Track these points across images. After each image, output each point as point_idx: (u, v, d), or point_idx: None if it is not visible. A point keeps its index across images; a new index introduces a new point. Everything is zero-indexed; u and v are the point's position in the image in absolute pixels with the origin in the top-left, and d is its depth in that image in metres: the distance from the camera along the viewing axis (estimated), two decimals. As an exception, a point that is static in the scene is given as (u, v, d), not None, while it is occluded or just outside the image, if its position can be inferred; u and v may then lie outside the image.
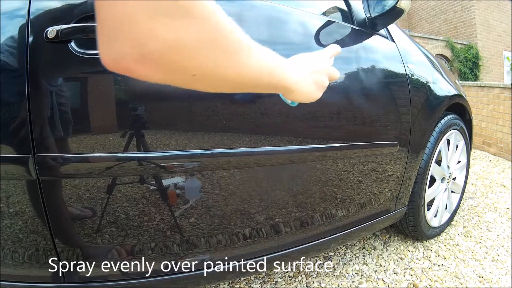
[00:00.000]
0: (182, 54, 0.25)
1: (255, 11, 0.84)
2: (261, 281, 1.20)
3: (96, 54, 0.63)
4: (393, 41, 1.19)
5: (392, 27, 1.21)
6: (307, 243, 0.97)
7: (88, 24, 0.63)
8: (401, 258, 1.35)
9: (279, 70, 0.37)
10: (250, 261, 0.86)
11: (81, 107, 0.66)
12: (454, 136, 1.48)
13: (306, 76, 0.43)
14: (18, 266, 0.69)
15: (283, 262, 0.94)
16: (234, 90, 0.35)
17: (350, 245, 1.45)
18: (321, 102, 0.90)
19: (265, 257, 0.88)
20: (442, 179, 1.48)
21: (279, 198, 0.88)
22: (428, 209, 1.42)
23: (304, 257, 1.05)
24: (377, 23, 1.07)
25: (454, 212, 1.63)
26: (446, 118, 1.38)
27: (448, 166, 1.50)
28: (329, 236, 1.02)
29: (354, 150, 1.02)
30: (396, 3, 0.96)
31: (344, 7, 1.11)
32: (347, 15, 1.10)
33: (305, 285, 1.18)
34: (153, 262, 0.76)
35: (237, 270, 0.87)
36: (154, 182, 0.73)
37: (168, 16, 0.23)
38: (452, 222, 1.68)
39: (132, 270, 0.75)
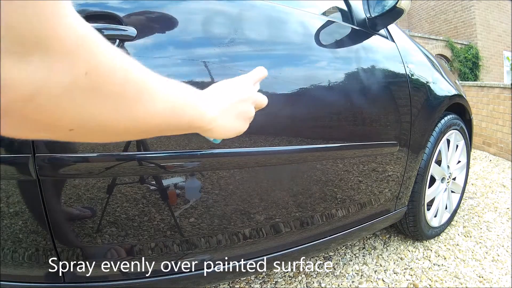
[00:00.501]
0: (44, 106, 0.19)
1: (255, 11, 0.84)
2: (261, 281, 1.20)
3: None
4: (393, 41, 1.19)
5: (392, 27, 1.21)
6: (307, 243, 0.97)
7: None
8: (401, 258, 1.35)
9: (189, 109, 0.31)
10: (250, 261, 0.86)
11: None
12: (454, 136, 1.48)
13: (226, 110, 0.37)
14: (18, 266, 0.69)
15: (283, 262, 0.94)
16: (136, 137, 0.30)
17: (350, 245, 1.45)
18: (321, 102, 0.91)
19: (265, 257, 0.88)
20: (442, 179, 1.48)
21: (279, 198, 0.88)
22: (428, 209, 1.42)
23: (304, 257, 1.05)
24: (377, 23, 1.07)
25: (454, 212, 1.63)
26: (446, 118, 1.38)
27: (448, 166, 1.50)
28: (329, 236, 1.02)
29: (354, 150, 1.02)
30: (396, 3, 0.96)
31: (344, 7, 1.11)
32: (347, 15, 1.10)
33: (305, 285, 1.18)
34: (153, 262, 0.75)
35: (237, 270, 0.87)
36: (154, 182, 0.73)
37: (22, 56, 0.16)
38: (452, 222, 1.68)
39: (132, 270, 0.75)
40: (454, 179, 1.60)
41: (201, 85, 0.72)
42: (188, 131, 0.33)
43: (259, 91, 0.44)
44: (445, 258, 1.35)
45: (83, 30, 0.20)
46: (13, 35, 0.16)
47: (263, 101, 0.43)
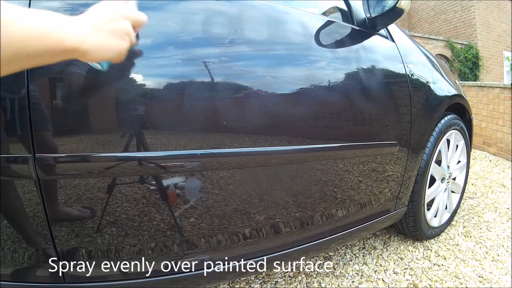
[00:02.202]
0: None
1: (255, 11, 0.84)
2: (261, 281, 1.20)
3: (96, 54, 0.64)
4: (393, 41, 1.19)
5: (392, 27, 1.21)
6: (307, 243, 0.97)
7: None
8: (401, 258, 1.35)
9: (55, 29, 0.33)
10: (250, 261, 0.86)
11: (81, 107, 0.66)
12: (454, 136, 1.48)
13: (97, 27, 0.37)
14: (18, 266, 0.69)
15: (283, 262, 0.94)
16: (13, 66, 0.31)
17: (350, 245, 1.45)
18: (321, 102, 0.91)
19: (265, 257, 0.88)
20: (442, 179, 1.48)
21: (279, 198, 0.88)
22: (428, 209, 1.42)
23: (304, 257, 1.05)
24: (377, 23, 1.07)
25: (454, 212, 1.63)
26: (446, 118, 1.38)
27: (448, 166, 1.50)
28: (329, 236, 1.02)
29: (354, 150, 1.02)
30: (396, 3, 0.96)
31: (344, 7, 1.11)
32: (347, 15, 1.10)
33: (305, 285, 1.18)
34: (153, 262, 0.76)
35: (237, 270, 0.87)
36: (154, 182, 0.73)
37: None
38: (452, 222, 1.68)
39: (132, 270, 0.75)
40: (454, 179, 1.60)
41: (201, 85, 0.72)
42: (64, 55, 0.35)
43: None
44: (445, 258, 1.35)
45: None
46: None
47: (140, 17, 0.44)
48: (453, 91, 1.43)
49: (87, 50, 0.36)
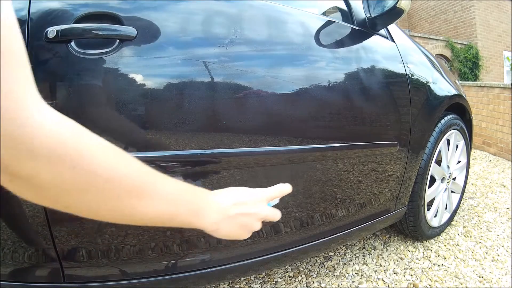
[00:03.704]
0: (44, 190, 0.24)
1: (255, 11, 0.84)
2: (261, 281, 1.20)
3: (96, 54, 0.64)
4: (393, 41, 1.19)
5: (392, 27, 1.21)
6: (307, 243, 0.97)
7: (88, 24, 0.63)
8: (401, 258, 1.35)
9: (185, 214, 0.34)
10: (250, 261, 0.86)
11: (81, 107, 0.66)
12: (454, 136, 1.48)
13: (230, 218, 0.39)
14: (18, 266, 0.69)
15: (283, 262, 0.94)
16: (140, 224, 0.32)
17: (350, 245, 1.45)
18: (321, 102, 0.91)
19: (265, 257, 0.88)
20: (442, 179, 1.48)
21: (279, 198, 0.88)
22: (428, 209, 1.42)
23: (304, 257, 1.05)
24: (377, 23, 1.07)
25: (454, 212, 1.63)
26: (446, 118, 1.38)
27: (448, 166, 1.50)
28: (329, 236, 1.02)
29: (354, 150, 1.02)
30: (396, 3, 0.96)
31: (344, 7, 1.11)
32: (347, 15, 1.10)
33: (305, 285, 1.18)
34: (153, 262, 0.76)
35: (237, 270, 0.87)
36: (154, 182, 0.73)
37: (24, 155, 0.22)
38: (452, 222, 1.68)
39: (132, 270, 0.75)
40: (454, 179, 1.60)
41: (201, 85, 0.72)
42: (190, 227, 0.36)
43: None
44: (445, 258, 1.35)
45: (62, 137, 0.23)
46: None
47: (274, 217, 0.46)
48: (453, 91, 1.43)
49: (210, 232, 0.38)
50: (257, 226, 0.43)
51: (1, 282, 0.68)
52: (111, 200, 0.27)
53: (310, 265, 1.29)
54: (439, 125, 1.34)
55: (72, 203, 0.25)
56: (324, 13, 1.16)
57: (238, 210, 0.40)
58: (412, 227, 1.37)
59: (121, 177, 0.28)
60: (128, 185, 0.28)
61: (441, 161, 1.47)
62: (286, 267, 1.27)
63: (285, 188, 0.49)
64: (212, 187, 0.77)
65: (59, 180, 0.23)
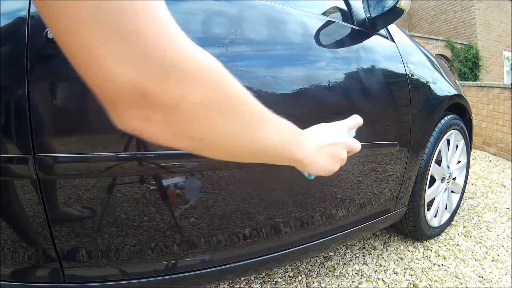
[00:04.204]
0: (186, 118, 0.24)
1: (255, 11, 0.84)
2: (261, 281, 1.20)
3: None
4: (393, 41, 1.19)
5: (392, 27, 1.21)
6: (307, 243, 0.97)
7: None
8: (401, 258, 1.35)
9: (293, 143, 0.37)
10: (250, 261, 0.86)
11: (81, 107, 0.66)
12: (454, 136, 1.48)
13: (321, 149, 0.42)
14: (18, 266, 0.69)
15: (283, 262, 0.94)
16: (246, 160, 0.33)
17: (350, 245, 1.45)
18: (321, 102, 0.91)
19: (265, 257, 0.88)
20: (442, 179, 1.48)
21: (279, 198, 0.88)
22: (428, 209, 1.42)
23: (304, 257, 1.05)
24: (377, 23, 1.07)
25: (454, 212, 1.63)
26: (446, 118, 1.38)
27: (448, 166, 1.50)
28: (329, 236, 1.02)
29: (354, 150, 1.02)
30: (396, 3, 0.96)
31: (344, 7, 1.11)
32: (347, 15, 1.10)
33: (305, 285, 1.18)
34: (153, 262, 0.76)
35: (237, 270, 0.87)
36: (154, 182, 0.73)
37: (173, 79, 0.22)
38: (452, 222, 1.68)
39: (132, 270, 0.75)
40: (454, 179, 1.60)
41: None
42: (287, 163, 0.38)
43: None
44: (445, 258, 1.35)
45: (219, 67, 0.26)
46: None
47: (356, 146, 0.49)
48: (453, 91, 1.43)
49: (307, 164, 0.40)
50: (344, 155, 0.46)
51: (1, 282, 0.68)
52: (247, 127, 0.29)
53: (310, 265, 1.29)
54: (439, 125, 1.34)
55: (213, 130, 0.27)
56: (324, 13, 1.16)
57: (326, 141, 0.42)
58: (412, 227, 1.37)
59: (252, 102, 0.30)
60: (258, 110, 0.31)
61: (441, 161, 1.47)
62: (286, 267, 1.27)
63: (359, 119, 0.52)
64: (212, 187, 0.77)
65: (206, 103, 0.25)
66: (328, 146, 0.43)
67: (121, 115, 0.24)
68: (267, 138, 0.32)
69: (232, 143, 0.29)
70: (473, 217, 1.77)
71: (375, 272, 1.26)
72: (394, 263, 1.32)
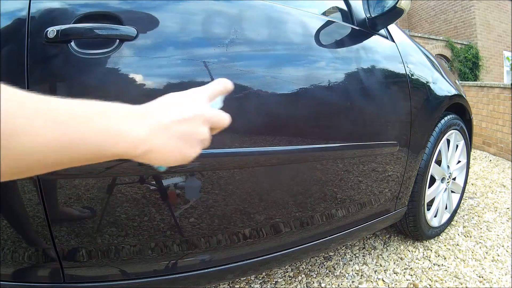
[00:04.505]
0: None
1: (255, 11, 0.84)
2: (261, 281, 1.20)
3: (96, 54, 0.64)
4: (393, 41, 1.19)
5: (392, 27, 1.21)
6: (307, 243, 0.97)
7: (88, 24, 0.63)
8: (401, 258, 1.35)
9: (99, 130, 0.25)
10: (250, 261, 0.86)
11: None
12: (454, 136, 1.48)
13: (163, 129, 0.29)
14: (18, 266, 0.69)
15: (283, 262, 0.94)
16: (49, 170, 0.24)
17: (350, 245, 1.45)
18: (321, 102, 0.91)
19: (265, 257, 0.88)
20: (442, 179, 1.48)
21: (279, 198, 0.88)
22: (428, 209, 1.42)
23: (304, 257, 1.05)
24: (377, 23, 1.07)
25: (454, 212, 1.63)
26: (446, 118, 1.38)
27: (448, 166, 1.50)
28: (329, 236, 1.02)
29: (354, 150, 1.02)
30: (396, 3, 0.96)
31: (344, 7, 1.11)
32: (347, 15, 1.10)
33: (305, 285, 1.18)
34: (153, 262, 0.76)
35: (237, 270, 0.87)
36: (154, 182, 0.73)
37: None
38: (452, 222, 1.68)
39: (132, 270, 0.75)
40: (454, 179, 1.60)
41: (201, 85, 0.72)
42: (112, 158, 0.27)
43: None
44: (445, 258, 1.35)
45: None
46: None
47: (222, 121, 0.34)
48: (453, 91, 1.43)
49: (143, 155, 0.28)
50: (204, 132, 0.32)
51: (1, 282, 0.68)
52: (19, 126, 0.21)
53: (310, 265, 1.29)
54: (439, 125, 1.34)
55: None
56: (324, 13, 1.16)
57: (173, 117, 0.30)
58: (412, 227, 1.37)
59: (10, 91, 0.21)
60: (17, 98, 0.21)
61: (441, 161, 1.47)
62: (286, 267, 1.27)
63: (226, 83, 0.38)
64: (212, 187, 0.77)
65: None
66: (176, 124, 0.30)
67: None
68: (30, 144, 0.22)
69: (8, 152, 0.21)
70: (473, 217, 1.77)
71: (375, 272, 1.26)
72: (394, 263, 1.32)
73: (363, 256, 1.37)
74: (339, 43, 1.01)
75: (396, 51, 1.17)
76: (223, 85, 0.38)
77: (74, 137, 0.24)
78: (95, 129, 0.25)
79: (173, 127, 0.29)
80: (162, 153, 0.29)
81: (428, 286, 1.18)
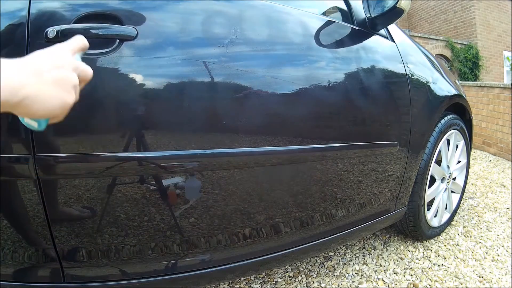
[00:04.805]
0: None
1: (255, 11, 0.84)
2: (261, 281, 1.20)
3: (96, 54, 0.64)
4: (393, 41, 1.19)
5: (392, 27, 1.21)
6: (307, 243, 0.97)
7: (88, 24, 0.63)
8: (401, 258, 1.35)
9: None
10: (250, 261, 0.86)
11: (81, 107, 0.65)
12: (454, 136, 1.48)
13: (37, 75, 0.31)
14: (18, 266, 0.69)
15: (283, 262, 0.94)
16: None
17: (350, 245, 1.45)
18: (321, 102, 0.91)
19: (265, 257, 0.88)
20: (442, 179, 1.48)
21: (279, 198, 0.88)
22: (428, 209, 1.42)
23: (304, 257, 1.04)
24: (377, 23, 1.07)
25: (454, 212, 1.63)
26: (446, 118, 1.38)
27: (448, 166, 1.50)
28: (329, 236, 1.02)
29: (354, 150, 1.02)
30: (396, 3, 0.96)
31: (344, 7, 1.11)
32: (347, 15, 1.10)
33: (305, 285, 1.18)
34: (153, 262, 0.76)
35: (237, 270, 0.87)
36: (154, 182, 0.73)
37: None
38: (452, 222, 1.68)
39: (132, 270, 0.75)
40: (454, 179, 1.60)
41: (201, 85, 0.72)
42: None
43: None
44: (445, 258, 1.35)
45: None
46: None
47: (87, 70, 0.39)
48: (453, 91, 1.43)
49: (20, 102, 0.29)
50: (76, 79, 0.35)
51: (1, 282, 0.68)
52: None
53: (310, 265, 1.29)
54: (439, 125, 1.34)
55: None
56: (324, 13, 1.16)
57: (46, 65, 0.32)
58: (412, 227, 1.37)
59: None
60: None
61: (441, 161, 1.47)
62: (286, 267, 1.27)
63: (82, 40, 0.43)
64: (212, 187, 0.77)
65: None
66: (50, 70, 0.32)
67: None
68: None
69: None
70: (473, 217, 1.77)
71: (375, 272, 1.26)
72: (394, 263, 1.32)
73: (363, 256, 1.37)
74: (339, 43, 1.01)
75: (396, 51, 1.17)
76: (81, 42, 0.42)
77: None
78: None
79: (48, 73, 0.32)
80: (40, 99, 0.30)
81: (428, 286, 1.18)
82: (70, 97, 0.34)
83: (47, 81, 0.32)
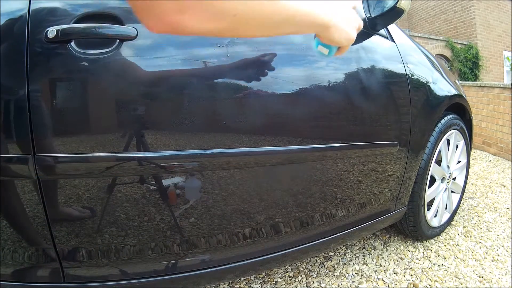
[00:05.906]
0: None
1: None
2: (261, 281, 1.20)
3: (96, 54, 0.64)
4: (393, 41, 1.19)
5: (392, 27, 1.21)
6: (307, 243, 0.97)
7: (88, 24, 0.63)
8: (401, 258, 1.35)
9: (315, 4, 0.39)
10: (250, 261, 0.86)
11: (81, 107, 0.66)
12: (454, 136, 1.48)
13: (340, 12, 0.44)
14: (18, 266, 0.69)
15: (283, 262, 0.94)
16: (273, 30, 0.36)
17: (350, 245, 1.45)
18: (321, 102, 0.91)
19: (265, 257, 0.88)
20: (442, 179, 1.48)
21: (279, 198, 0.88)
22: (428, 209, 1.42)
23: (304, 257, 1.04)
24: (377, 23, 1.07)
25: (454, 212, 1.63)
26: (446, 118, 1.38)
27: (448, 166, 1.50)
28: (329, 236, 1.02)
29: (354, 150, 1.02)
30: (396, 3, 0.96)
31: (344, 7, 1.11)
32: (347, 15, 1.10)
33: (305, 285, 1.18)
34: (153, 262, 0.76)
35: (237, 270, 0.87)
36: (154, 182, 0.73)
37: None
38: (452, 222, 1.68)
39: (132, 270, 0.75)
40: (454, 179, 1.60)
41: (201, 85, 0.72)
42: (311, 28, 0.41)
43: None
44: (445, 258, 1.35)
45: None
46: None
47: (360, 20, 0.49)
48: (453, 91, 1.43)
49: (330, 28, 0.42)
50: (358, 21, 0.47)
51: (1, 282, 0.68)
52: None
53: (310, 265, 1.29)
54: (439, 125, 1.34)
55: (247, 2, 0.30)
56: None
57: (343, 7, 0.45)
58: (412, 227, 1.37)
59: None
60: None
61: (441, 161, 1.47)
62: (286, 267, 1.27)
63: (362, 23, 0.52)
64: (212, 187, 0.77)
65: None
66: (346, 10, 0.45)
67: (157, 13, 0.25)
68: (288, 2, 0.35)
69: (260, 12, 0.31)
70: (473, 217, 1.77)
71: (375, 272, 1.26)
72: (394, 263, 1.32)
73: (363, 256, 1.37)
74: (339, 43, 1.01)
75: (396, 51, 1.17)
76: (357, 2, 0.54)
77: (306, 5, 0.38)
78: (317, 4, 0.40)
79: (344, 13, 0.44)
80: (340, 29, 0.43)
81: (428, 286, 1.18)
82: (354, 34, 0.46)
83: (343, 18, 0.44)
